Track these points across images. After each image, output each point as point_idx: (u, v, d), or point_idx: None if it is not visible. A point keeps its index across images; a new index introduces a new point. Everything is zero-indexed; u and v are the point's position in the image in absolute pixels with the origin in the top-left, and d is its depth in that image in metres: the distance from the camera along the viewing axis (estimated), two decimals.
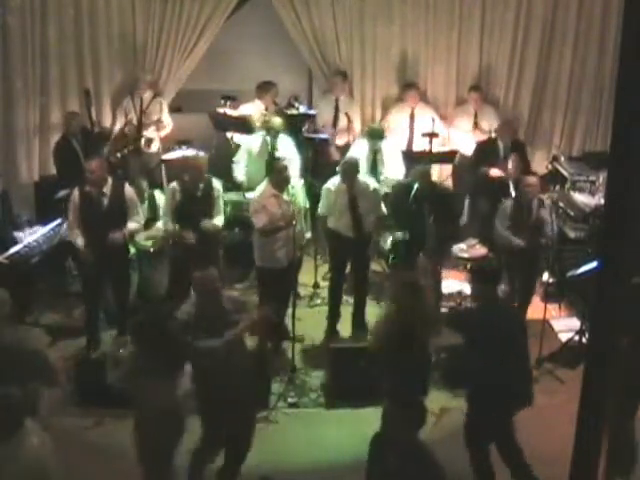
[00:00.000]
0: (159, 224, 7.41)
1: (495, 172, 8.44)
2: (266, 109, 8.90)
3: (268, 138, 8.01)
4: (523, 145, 8.89)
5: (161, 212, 7.26)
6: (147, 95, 8.79)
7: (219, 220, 7.00)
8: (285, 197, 6.79)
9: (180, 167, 7.31)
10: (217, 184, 7.07)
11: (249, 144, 8.23)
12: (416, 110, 9.12)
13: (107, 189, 6.69)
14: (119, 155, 8.41)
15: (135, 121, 8.71)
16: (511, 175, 7.89)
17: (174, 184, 6.99)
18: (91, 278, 6.87)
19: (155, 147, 8.81)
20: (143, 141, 8.57)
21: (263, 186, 6.92)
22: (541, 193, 7.46)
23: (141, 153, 8.55)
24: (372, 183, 7.27)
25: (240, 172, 8.14)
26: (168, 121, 8.94)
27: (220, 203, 7.04)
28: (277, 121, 8.05)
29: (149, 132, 8.70)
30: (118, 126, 8.83)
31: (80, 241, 6.69)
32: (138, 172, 8.46)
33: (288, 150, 8.06)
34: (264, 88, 8.94)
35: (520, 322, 5.56)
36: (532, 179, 7.24)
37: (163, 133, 8.89)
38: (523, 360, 5.25)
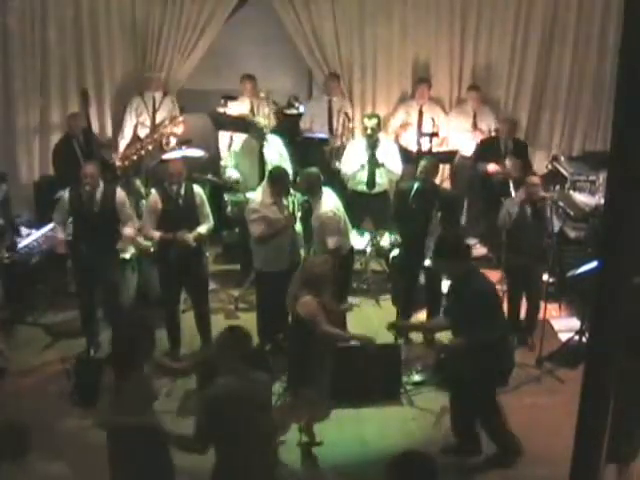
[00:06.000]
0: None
1: (492, 167, 8.45)
2: (251, 103, 8.91)
3: (256, 137, 7.97)
4: (524, 145, 8.91)
5: (143, 218, 6.90)
6: (158, 94, 8.80)
7: (205, 228, 6.80)
8: (285, 202, 6.74)
9: (160, 172, 7.22)
10: (199, 190, 6.85)
11: (237, 144, 8.23)
12: (424, 108, 9.15)
13: (97, 194, 6.64)
14: (134, 158, 8.42)
15: (148, 122, 8.73)
16: (510, 175, 7.90)
17: (153, 191, 6.88)
18: (84, 278, 6.85)
19: (173, 144, 8.78)
20: (163, 140, 8.59)
21: (261, 194, 6.81)
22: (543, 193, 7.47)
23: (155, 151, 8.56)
24: (326, 208, 6.74)
25: (232, 172, 8.10)
26: (181, 118, 8.91)
27: (205, 210, 6.82)
28: (262, 121, 8.00)
29: (163, 129, 8.69)
30: (129, 127, 8.82)
31: (61, 235, 6.76)
32: (134, 172, 8.48)
33: (278, 150, 8.00)
34: (241, 81, 8.95)
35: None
36: (535, 179, 7.23)
37: (178, 130, 8.83)
38: None
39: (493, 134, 8.84)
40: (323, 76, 9.40)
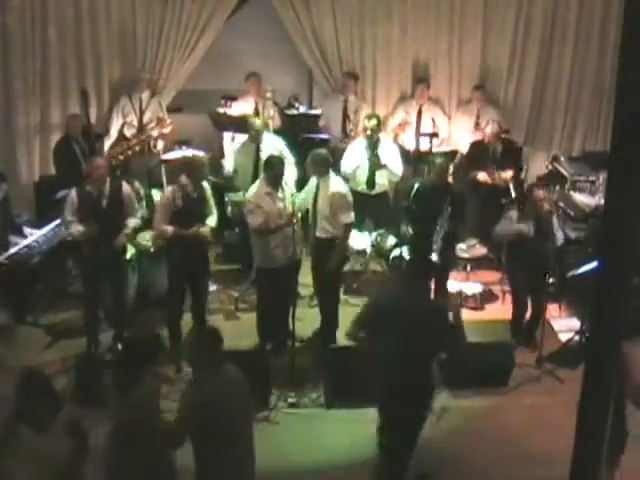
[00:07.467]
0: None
1: (482, 176, 8.46)
2: (256, 103, 8.92)
3: (253, 138, 7.98)
4: (515, 147, 8.89)
5: (156, 214, 6.89)
6: (145, 95, 8.81)
7: (212, 220, 6.89)
8: (280, 195, 6.75)
9: (180, 168, 7.23)
10: (206, 184, 6.93)
11: (235, 145, 8.27)
12: (424, 108, 9.16)
13: (106, 189, 6.66)
14: (121, 157, 8.41)
15: (135, 122, 8.73)
16: (501, 185, 7.96)
17: (173, 187, 6.83)
18: (91, 277, 6.85)
19: (160, 146, 8.80)
20: (151, 142, 8.60)
21: (257, 185, 6.87)
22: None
23: (144, 153, 8.56)
24: (338, 187, 6.87)
25: (228, 163, 8.22)
26: (168, 119, 8.92)
27: (211, 202, 6.93)
28: (257, 122, 8.03)
29: (151, 131, 8.70)
30: (115, 127, 8.83)
31: (80, 227, 6.61)
32: (134, 172, 8.47)
33: (276, 150, 8.00)
34: (246, 80, 8.99)
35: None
36: (542, 193, 7.08)
37: (166, 131, 8.84)
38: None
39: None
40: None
